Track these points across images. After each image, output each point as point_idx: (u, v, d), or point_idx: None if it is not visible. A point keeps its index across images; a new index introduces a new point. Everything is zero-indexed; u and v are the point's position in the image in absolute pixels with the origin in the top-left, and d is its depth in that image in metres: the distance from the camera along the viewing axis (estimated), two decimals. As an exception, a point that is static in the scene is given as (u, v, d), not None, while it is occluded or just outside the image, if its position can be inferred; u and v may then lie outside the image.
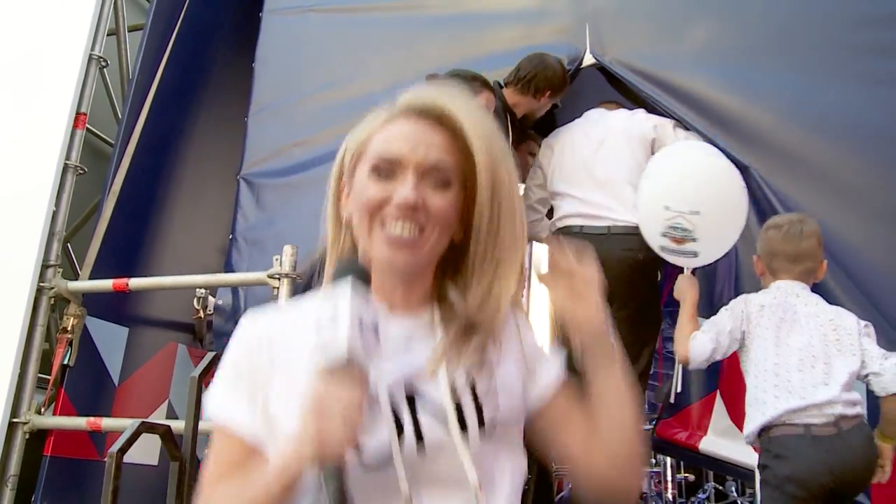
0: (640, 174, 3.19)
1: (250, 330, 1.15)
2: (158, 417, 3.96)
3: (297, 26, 4.31)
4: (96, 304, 3.73)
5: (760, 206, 3.21)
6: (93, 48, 3.94)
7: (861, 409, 2.46)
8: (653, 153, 3.30)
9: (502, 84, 3.58)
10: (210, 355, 2.50)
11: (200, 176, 4.49)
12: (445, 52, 3.93)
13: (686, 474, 6.62)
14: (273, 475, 0.96)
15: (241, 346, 1.13)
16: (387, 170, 1.09)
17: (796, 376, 2.42)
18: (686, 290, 2.78)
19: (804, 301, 2.60)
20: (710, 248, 2.71)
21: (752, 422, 2.49)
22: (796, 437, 2.35)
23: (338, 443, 0.90)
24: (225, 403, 1.10)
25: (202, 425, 2.54)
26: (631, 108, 3.67)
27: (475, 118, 1.12)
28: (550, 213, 3.67)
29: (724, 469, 4.10)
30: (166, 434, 2.24)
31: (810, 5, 3.56)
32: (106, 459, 3.60)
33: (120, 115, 4.59)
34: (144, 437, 3.81)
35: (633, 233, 3.13)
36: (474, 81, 3.10)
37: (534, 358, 1.20)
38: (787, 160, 3.37)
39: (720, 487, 6.61)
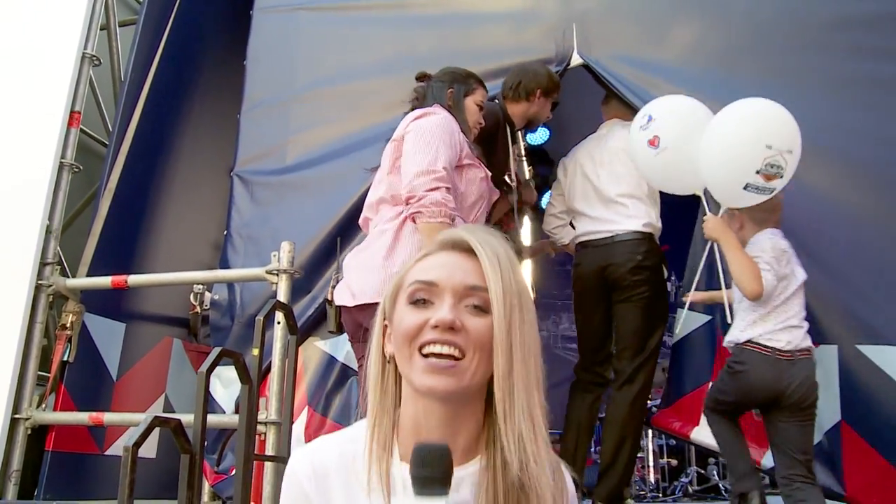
0: (640, 184, 3.52)
1: (300, 469, 1.15)
2: (156, 411, 4.02)
3: (287, 24, 4.35)
4: (93, 301, 3.79)
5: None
6: (85, 46, 3.97)
7: (811, 344, 2.93)
8: None
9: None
10: (216, 351, 2.55)
11: (194, 172, 4.54)
12: (436, 50, 3.97)
13: (669, 459, 6.74)
14: None
15: (292, 488, 1.14)
16: (424, 297, 1.10)
17: (787, 308, 2.90)
18: (725, 230, 2.99)
19: (793, 251, 3.01)
20: (782, 187, 2.88)
21: (737, 334, 2.95)
22: (762, 355, 2.87)
23: None
24: None
25: (210, 419, 2.63)
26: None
27: (493, 253, 1.11)
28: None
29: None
30: (178, 428, 2.29)
31: (791, 7, 3.68)
32: (106, 453, 3.74)
33: (105, 112, 4.64)
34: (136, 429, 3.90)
35: (632, 238, 3.49)
36: (469, 79, 3.17)
37: None
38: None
39: (702, 471, 6.73)
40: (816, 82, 3.55)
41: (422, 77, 3.20)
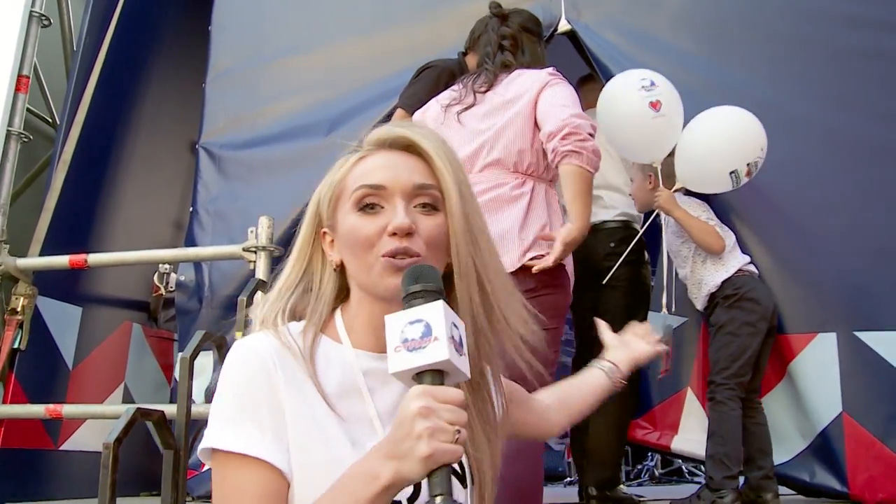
0: (617, 174, 3.65)
1: (260, 347, 1.04)
2: (114, 402, 3.78)
3: (255, -12, 4.09)
4: (47, 283, 3.49)
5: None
6: (33, 5, 3.66)
7: None
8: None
9: (465, 52, 3.45)
10: (199, 334, 2.32)
11: (154, 145, 4.27)
12: (414, 13, 3.78)
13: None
14: (363, 492, 0.88)
15: (253, 371, 1.02)
16: (372, 203, 1.06)
17: (737, 250, 3.23)
18: (675, 202, 3.24)
19: None
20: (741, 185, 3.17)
21: (721, 274, 3.19)
22: (753, 279, 3.17)
23: (451, 448, 0.84)
24: (240, 432, 0.99)
25: (194, 410, 2.38)
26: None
27: (440, 147, 1.11)
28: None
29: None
30: (160, 420, 2.06)
31: (782, -26, 3.57)
32: (61, 449, 3.47)
33: (43, 80, 4.28)
34: (94, 423, 3.62)
35: (608, 227, 3.58)
36: None
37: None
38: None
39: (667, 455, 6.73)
40: (811, 52, 3.44)
41: (501, 14, 2.83)
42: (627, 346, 1.63)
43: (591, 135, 2.34)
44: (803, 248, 3.25)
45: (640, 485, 6.50)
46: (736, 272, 3.16)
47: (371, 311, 1.08)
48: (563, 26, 3.63)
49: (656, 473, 6.75)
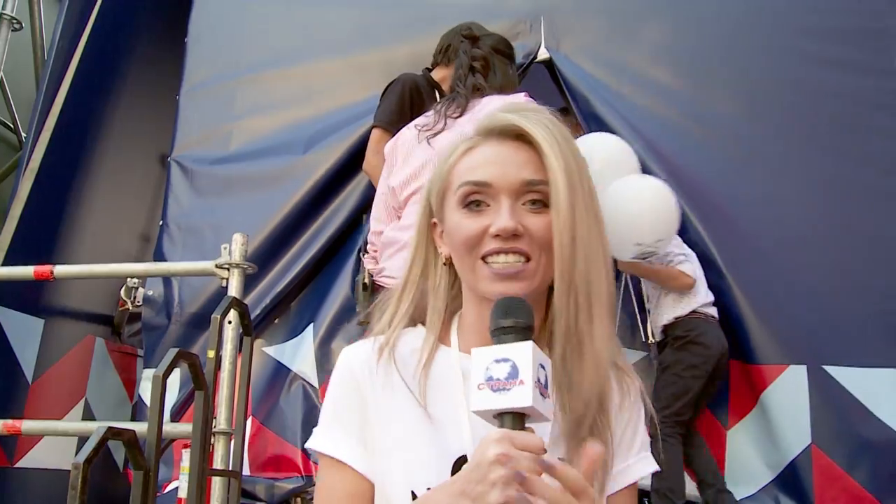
0: None
1: (354, 361, 1.11)
2: (74, 418, 3.66)
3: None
4: (8, 293, 3.38)
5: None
6: (4, 7, 3.58)
7: None
8: None
9: (430, 69, 3.42)
10: (172, 352, 2.24)
11: (123, 156, 4.16)
12: (395, 35, 3.77)
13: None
14: None
15: (345, 382, 1.10)
16: (477, 200, 1.03)
17: (700, 286, 3.27)
18: (631, 263, 3.22)
19: None
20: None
21: (675, 312, 3.24)
22: (706, 322, 3.19)
23: (526, 499, 0.79)
24: (333, 437, 1.07)
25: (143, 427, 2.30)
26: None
27: (552, 135, 1.02)
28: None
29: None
30: (132, 440, 1.99)
31: (761, 12, 3.64)
32: (17, 466, 3.35)
33: (6, 85, 4.19)
34: (52, 440, 3.50)
35: None
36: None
37: (627, 435, 1.10)
38: (737, 162, 3.45)
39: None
40: (786, 90, 3.52)
41: (472, 37, 2.86)
42: None
43: None
44: (777, 282, 3.29)
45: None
46: (689, 312, 3.23)
47: (479, 310, 1.05)
48: (542, 55, 3.66)
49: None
